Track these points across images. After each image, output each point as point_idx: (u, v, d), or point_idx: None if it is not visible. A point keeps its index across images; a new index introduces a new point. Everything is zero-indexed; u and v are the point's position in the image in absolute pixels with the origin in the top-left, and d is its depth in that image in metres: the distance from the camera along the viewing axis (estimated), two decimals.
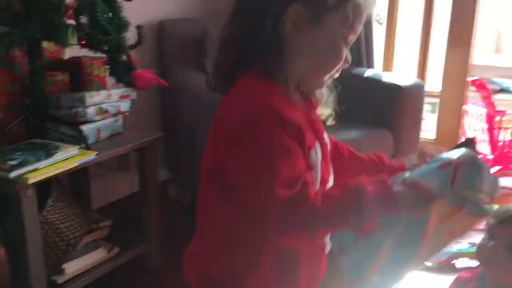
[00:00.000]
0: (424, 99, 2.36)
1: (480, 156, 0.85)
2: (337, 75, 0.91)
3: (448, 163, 0.81)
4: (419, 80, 2.43)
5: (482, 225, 0.95)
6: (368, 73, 2.52)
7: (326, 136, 0.97)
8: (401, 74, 2.64)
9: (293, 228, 0.78)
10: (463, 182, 0.80)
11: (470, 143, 0.86)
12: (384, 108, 2.33)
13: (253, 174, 0.79)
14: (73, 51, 2.00)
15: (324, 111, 1.00)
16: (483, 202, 0.81)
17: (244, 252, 0.88)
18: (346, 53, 0.88)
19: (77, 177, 2.15)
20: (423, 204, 0.79)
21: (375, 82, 2.40)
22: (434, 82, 2.91)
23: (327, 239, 0.93)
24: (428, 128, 2.97)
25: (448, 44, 2.64)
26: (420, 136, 2.49)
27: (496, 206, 0.91)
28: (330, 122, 1.02)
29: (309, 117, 0.89)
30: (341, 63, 0.88)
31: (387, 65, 2.83)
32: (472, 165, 0.81)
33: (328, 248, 0.95)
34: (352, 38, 0.88)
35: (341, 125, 2.30)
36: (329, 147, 0.97)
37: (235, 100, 0.85)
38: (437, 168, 0.81)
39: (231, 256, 0.89)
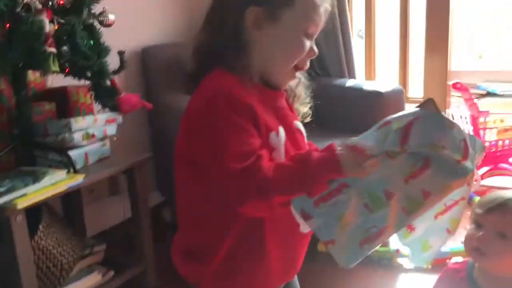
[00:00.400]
0: (404, 104, 2.40)
1: (442, 114, 0.85)
2: (306, 67, 0.98)
3: (386, 122, 0.85)
4: (398, 86, 2.48)
5: (472, 186, 0.91)
6: (349, 82, 2.57)
7: (298, 124, 1.02)
8: (382, 82, 2.69)
9: (248, 197, 0.82)
10: (418, 139, 0.82)
11: (428, 103, 0.85)
12: (367, 115, 2.37)
13: (209, 151, 0.86)
14: (58, 80, 2.05)
15: (301, 109, 1.07)
16: (453, 160, 0.81)
17: (214, 226, 0.94)
18: (310, 45, 0.94)
19: (71, 204, 2.18)
20: (361, 164, 0.82)
21: (356, 91, 2.45)
22: (418, 88, 2.96)
23: (299, 219, 0.96)
24: None
25: (426, 50, 2.71)
26: None
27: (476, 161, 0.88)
28: (307, 119, 1.09)
29: (273, 104, 0.96)
30: (303, 55, 0.94)
31: (369, 75, 2.89)
32: (428, 122, 0.83)
33: (303, 227, 0.99)
34: (314, 30, 0.94)
35: (325, 134, 2.36)
36: (304, 135, 1.03)
37: (197, 93, 0.93)
38: (377, 129, 0.85)
39: (203, 230, 0.96)
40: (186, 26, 2.75)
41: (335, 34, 2.66)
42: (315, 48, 0.96)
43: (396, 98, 2.36)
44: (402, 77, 2.82)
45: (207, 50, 0.94)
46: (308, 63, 0.98)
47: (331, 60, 2.73)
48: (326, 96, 2.61)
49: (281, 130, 0.93)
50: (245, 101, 0.87)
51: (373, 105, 2.34)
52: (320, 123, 2.60)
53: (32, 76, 1.91)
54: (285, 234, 0.98)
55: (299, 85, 1.04)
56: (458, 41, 2.88)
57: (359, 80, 2.72)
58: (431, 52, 2.70)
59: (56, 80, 2.04)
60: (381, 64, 2.98)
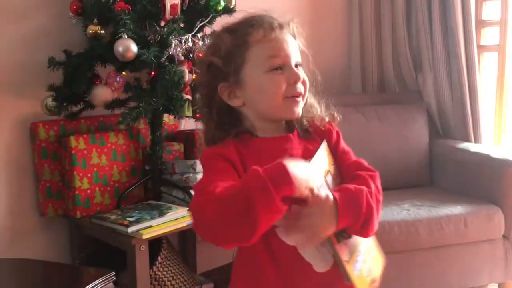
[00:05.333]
0: None
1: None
2: (298, 91, 1.01)
3: None
4: None
5: None
6: (475, 147, 2.45)
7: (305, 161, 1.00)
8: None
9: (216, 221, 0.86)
10: None
11: None
12: (493, 184, 2.23)
13: None
14: (188, 124, 2.23)
15: (314, 112, 1.08)
16: None
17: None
18: (287, 73, 0.99)
19: (187, 240, 2.31)
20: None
21: (483, 157, 2.32)
22: None
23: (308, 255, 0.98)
24: None
25: None
26: None
27: None
28: (335, 119, 1.10)
29: (272, 153, 0.96)
30: (283, 87, 0.99)
31: (498, 140, 2.72)
32: None
33: (318, 267, 0.98)
34: (279, 61, 0.99)
35: (443, 198, 2.26)
36: None
37: None
38: None
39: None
40: None
41: (462, 95, 2.58)
42: (294, 71, 0.99)
43: None
44: None
45: (211, 121, 1.05)
46: (298, 87, 1.00)
47: (456, 121, 2.63)
48: (448, 160, 2.54)
49: None
50: (221, 152, 0.98)
51: (501, 174, 2.20)
52: (439, 186, 2.52)
53: (167, 118, 2.10)
54: (294, 276, 0.99)
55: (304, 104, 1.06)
56: None
57: (486, 146, 2.58)
58: None
59: (187, 123, 2.23)
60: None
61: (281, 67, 0.99)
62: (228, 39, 1.00)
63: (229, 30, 1.02)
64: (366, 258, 1.01)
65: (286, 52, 1.00)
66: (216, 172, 0.95)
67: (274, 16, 1.02)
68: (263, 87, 0.99)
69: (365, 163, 1.07)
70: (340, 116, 1.10)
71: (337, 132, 1.10)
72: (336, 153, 1.07)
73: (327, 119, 1.09)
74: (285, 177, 0.83)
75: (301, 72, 1.01)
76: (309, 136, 1.07)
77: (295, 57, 1.01)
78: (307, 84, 1.03)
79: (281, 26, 1.01)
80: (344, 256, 0.95)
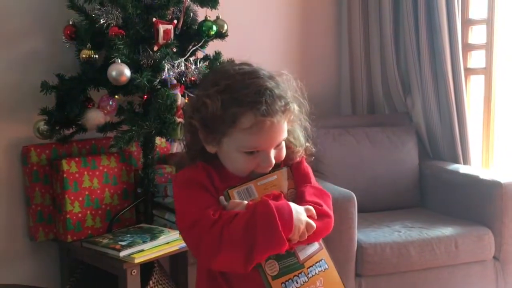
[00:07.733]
0: None
1: None
2: (267, 170, 1.04)
3: None
4: None
5: None
6: (464, 169, 2.48)
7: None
8: (502, 171, 2.55)
9: (208, 245, 0.95)
10: None
11: None
12: (483, 205, 2.26)
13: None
14: (181, 147, 2.24)
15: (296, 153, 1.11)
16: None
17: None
18: (263, 157, 1.01)
19: (178, 264, 2.29)
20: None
21: (472, 179, 2.35)
22: None
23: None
24: None
25: None
26: None
27: None
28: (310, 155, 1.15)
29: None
30: (251, 168, 1.03)
31: (486, 162, 2.75)
32: None
33: None
34: (256, 148, 1.01)
35: (437, 221, 2.27)
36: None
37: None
38: None
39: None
40: None
41: (450, 117, 2.61)
42: (269, 159, 1.02)
43: None
44: None
45: (191, 150, 1.11)
46: (267, 168, 1.04)
47: (445, 143, 2.66)
48: (438, 181, 2.56)
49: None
50: (193, 178, 1.03)
51: (491, 196, 2.22)
52: (429, 207, 2.53)
53: (159, 141, 2.11)
54: None
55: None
56: None
57: (475, 168, 2.61)
58: None
59: (179, 146, 2.24)
60: (500, 150, 2.83)
61: (258, 151, 1.01)
62: (218, 108, 0.98)
63: (222, 95, 0.99)
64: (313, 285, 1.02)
65: (267, 144, 1.01)
66: (198, 201, 1.00)
67: (277, 93, 0.99)
68: (234, 161, 1.04)
69: (310, 192, 1.09)
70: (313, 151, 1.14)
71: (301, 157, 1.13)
72: (297, 173, 1.11)
73: (301, 154, 1.12)
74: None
75: (281, 150, 1.04)
76: (277, 168, 1.09)
77: (276, 142, 1.02)
78: (283, 154, 1.06)
79: (274, 114, 0.98)
80: (270, 270, 0.98)
